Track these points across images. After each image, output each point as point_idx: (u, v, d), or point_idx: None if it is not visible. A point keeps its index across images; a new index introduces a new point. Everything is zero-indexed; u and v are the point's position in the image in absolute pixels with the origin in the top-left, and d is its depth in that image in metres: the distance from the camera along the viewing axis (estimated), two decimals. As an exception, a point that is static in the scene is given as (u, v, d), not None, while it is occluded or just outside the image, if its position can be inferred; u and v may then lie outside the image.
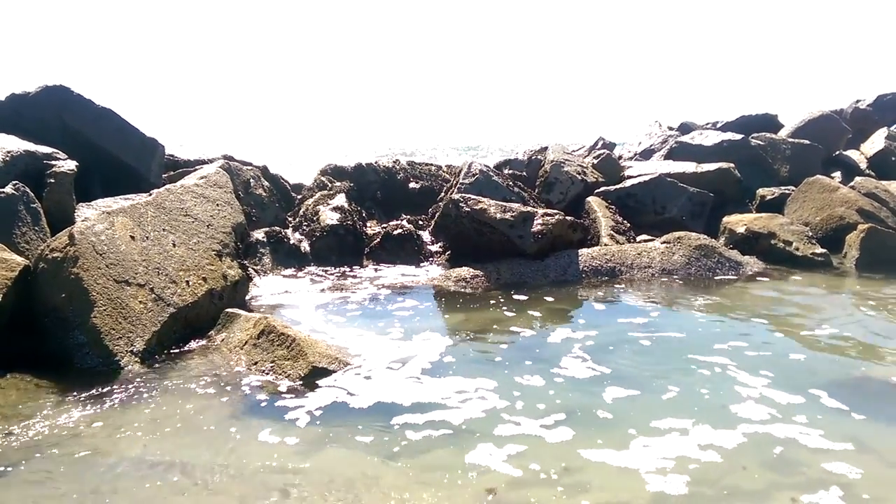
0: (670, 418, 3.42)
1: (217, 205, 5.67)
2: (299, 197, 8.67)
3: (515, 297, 5.74)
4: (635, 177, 8.78)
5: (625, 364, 4.20)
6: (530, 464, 2.97)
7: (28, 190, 5.00)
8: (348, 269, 6.76)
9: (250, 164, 8.38)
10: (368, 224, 8.11)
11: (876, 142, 10.17)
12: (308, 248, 7.05)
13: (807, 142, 9.85)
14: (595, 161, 9.52)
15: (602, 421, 3.42)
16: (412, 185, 9.32)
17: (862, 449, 3.15)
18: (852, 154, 10.21)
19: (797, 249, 7.15)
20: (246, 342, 4.25)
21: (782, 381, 3.92)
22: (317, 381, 3.80)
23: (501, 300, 5.65)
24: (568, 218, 6.86)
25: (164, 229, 4.89)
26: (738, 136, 9.86)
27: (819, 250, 7.12)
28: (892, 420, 3.48)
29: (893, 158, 9.79)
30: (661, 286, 6.23)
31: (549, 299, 5.69)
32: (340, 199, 7.70)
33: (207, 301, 4.77)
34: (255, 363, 4.05)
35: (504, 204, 6.80)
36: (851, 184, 8.33)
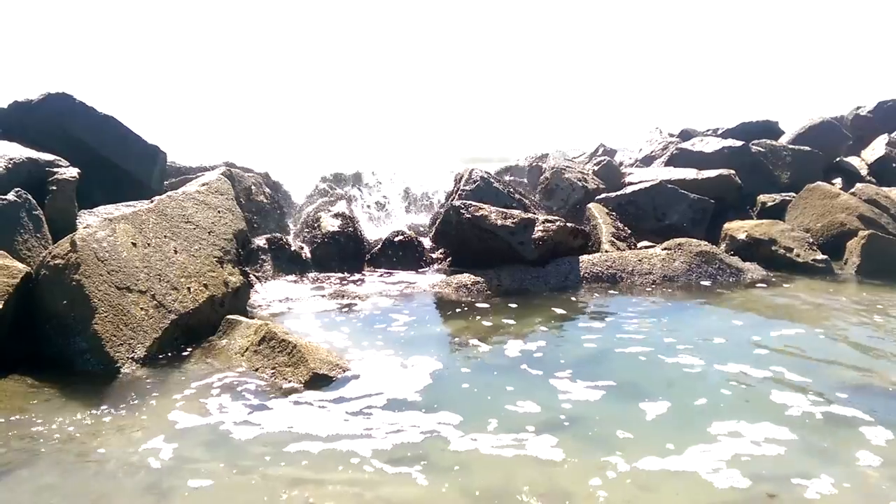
0: (688, 427, 3.42)
1: (218, 211, 5.68)
2: (300, 204, 8.69)
3: (516, 303, 5.74)
4: (636, 183, 8.80)
5: (631, 372, 4.18)
6: (560, 478, 2.93)
7: (30, 197, 5.01)
8: (349, 276, 6.77)
9: (252, 171, 8.41)
10: (369, 231, 8.13)
11: (876, 148, 10.18)
12: (309, 255, 7.06)
13: (807, 148, 9.86)
14: (596, 168, 9.54)
15: (620, 432, 3.38)
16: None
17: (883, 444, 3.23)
18: (853, 160, 10.21)
19: (798, 256, 7.15)
20: (247, 348, 4.26)
21: (787, 384, 3.91)
22: (317, 388, 3.80)
23: (502, 307, 5.65)
24: (569, 224, 6.86)
25: (165, 236, 4.90)
26: (739, 143, 9.88)
27: (820, 257, 7.12)
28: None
29: (894, 165, 9.79)
30: (663, 293, 6.23)
31: (551, 306, 5.69)
32: (341, 206, 7.72)
33: (209, 308, 4.78)
34: (256, 369, 4.06)
35: (505, 210, 6.81)
36: (852, 190, 8.33)
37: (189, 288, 4.70)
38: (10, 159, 5.38)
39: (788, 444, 3.26)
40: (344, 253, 7.08)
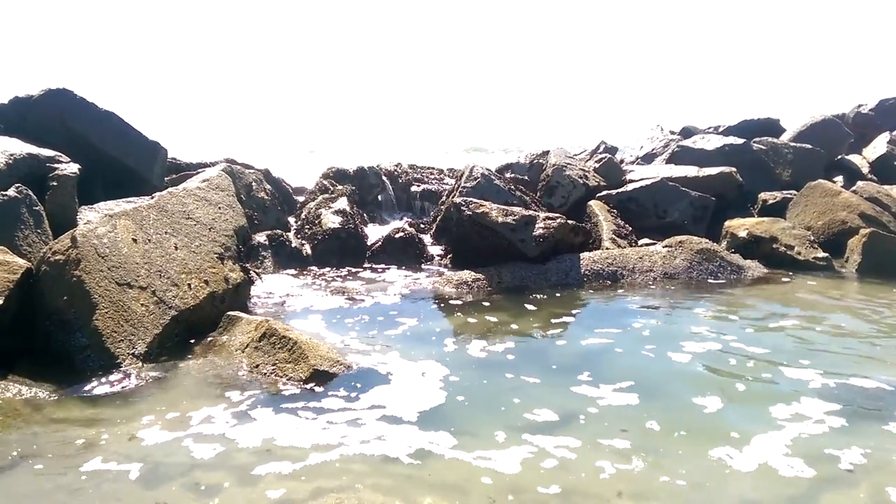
0: (728, 417, 3.45)
1: (219, 208, 5.68)
2: (301, 200, 8.69)
3: (517, 300, 5.74)
4: (637, 181, 8.79)
5: (640, 369, 4.17)
6: (581, 484, 2.90)
7: (31, 193, 5.01)
8: (350, 273, 6.77)
9: (252, 168, 8.41)
10: (370, 227, 8.13)
11: (878, 146, 10.17)
12: (310, 252, 7.06)
13: (809, 146, 9.85)
14: (597, 165, 9.53)
15: (634, 432, 3.37)
16: (414, 188, 9.34)
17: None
18: (854, 158, 10.21)
19: (799, 254, 7.14)
20: (247, 345, 4.26)
21: (787, 384, 3.91)
22: (318, 384, 3.80)
23: (503, 304, 5.65)
24: (570, 222, 6.85)
25: (166, 232, 4.90)
26: (740, 141, 9.87)
27: (821, 254, 7.11)
28: None
29: (895, 163, 9.78)
30: (663, 290, 6.22)
31: (552, 303, 5.69)
32: (342, 203, 7.71)
33: (209, 304, 4.78)
34: (257, 366, 4.05)
35: (506, 208, 6.80)
36: (853, 188, 8.33)
37: (190, 284, 4.70)
38: (11, 155, 5.37)
39: (837, 421, 3.37)
40: (344, 249, 7.09)
